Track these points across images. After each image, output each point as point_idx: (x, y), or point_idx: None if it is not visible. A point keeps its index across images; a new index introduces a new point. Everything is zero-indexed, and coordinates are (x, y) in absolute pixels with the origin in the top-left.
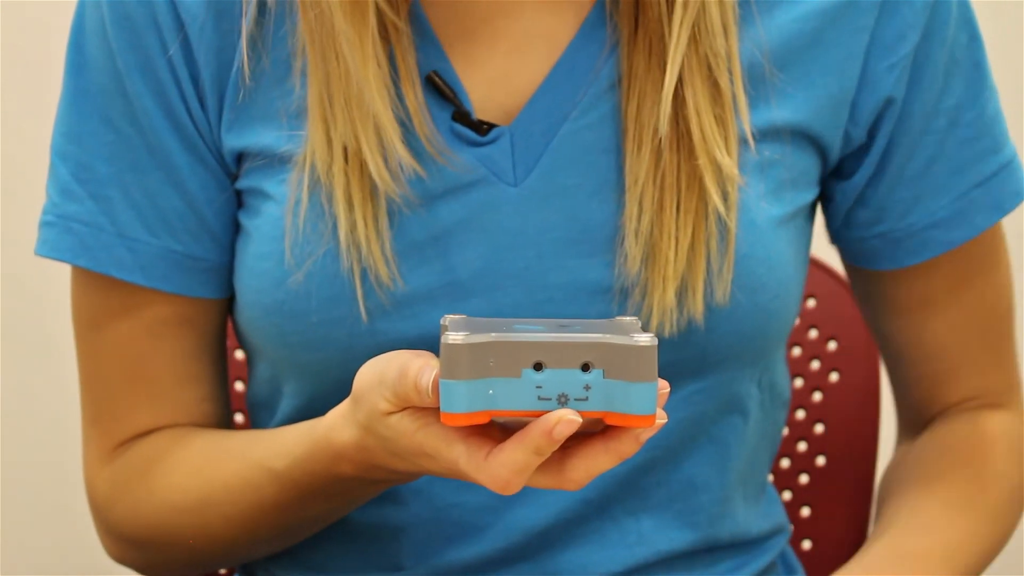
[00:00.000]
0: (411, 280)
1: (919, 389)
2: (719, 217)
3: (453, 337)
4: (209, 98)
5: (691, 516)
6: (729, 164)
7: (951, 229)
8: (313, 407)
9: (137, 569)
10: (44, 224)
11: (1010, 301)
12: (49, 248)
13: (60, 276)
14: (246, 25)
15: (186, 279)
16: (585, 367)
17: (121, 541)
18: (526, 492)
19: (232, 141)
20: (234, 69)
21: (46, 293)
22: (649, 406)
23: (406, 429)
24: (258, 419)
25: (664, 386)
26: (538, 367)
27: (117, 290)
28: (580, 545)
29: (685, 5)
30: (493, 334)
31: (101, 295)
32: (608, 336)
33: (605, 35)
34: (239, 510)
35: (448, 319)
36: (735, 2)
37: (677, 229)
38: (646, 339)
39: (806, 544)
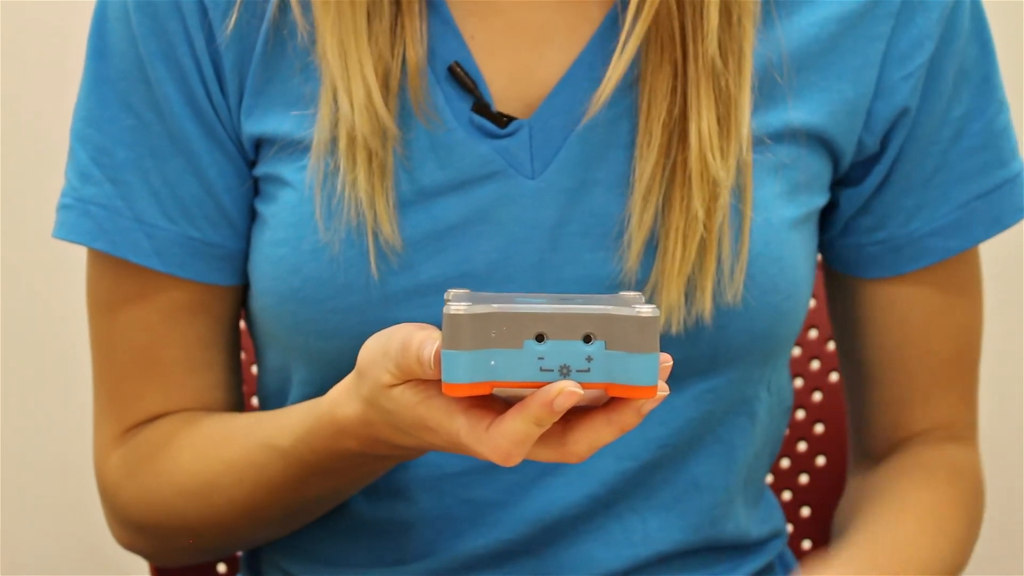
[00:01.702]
0: (426, 269)
1: (885, 414)
2: (732, 217)
3: (455, 307)
4: (230, 84)
5: (694, 516)
6: (718, 167)
7: (950, 237)
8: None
9: (144, 555)
10: (62, 207)
11: (979, 336)
12: (67, 231)
13: (61, 271)
14: (274, 15)
15: (202, 265)
16: (587, 338)
17: (128, 526)
18: (533, 487)
19: (251, 127)
20: (255, 55)
21: (47, 289)
22: (651, 377)
23: (408, 401)
24: (267, 409)
25: (666, 359)
26: (540, 338)
27: (132, 275)
28: (584, 541)
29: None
30: (495, 305)
31: (116, 279)
32: (610, 308)
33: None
34: (244, 491)
35: (451, 292)
36: (753, 1)
37: (686, 226)
38: (647, 310)
39: (806, 544)
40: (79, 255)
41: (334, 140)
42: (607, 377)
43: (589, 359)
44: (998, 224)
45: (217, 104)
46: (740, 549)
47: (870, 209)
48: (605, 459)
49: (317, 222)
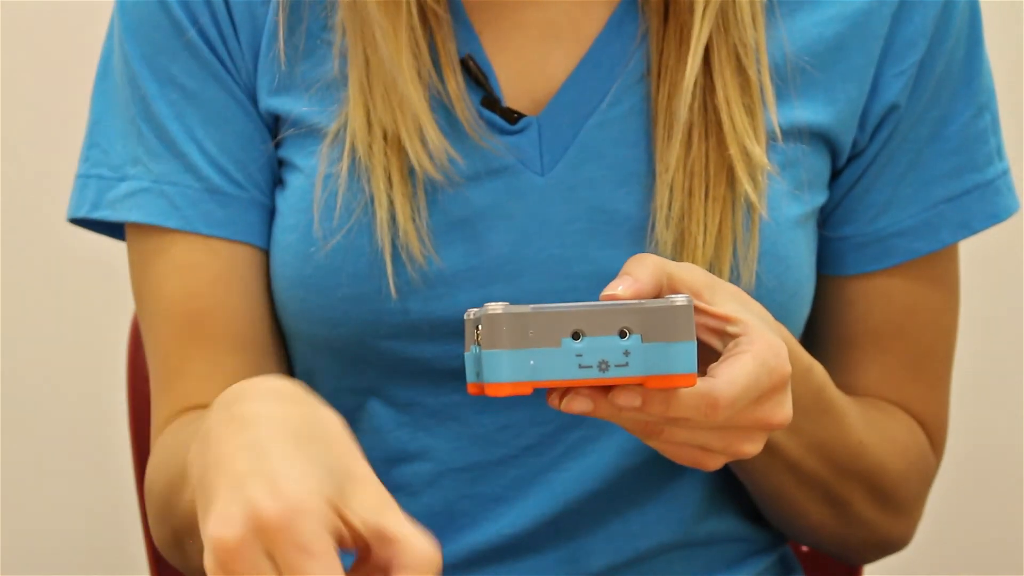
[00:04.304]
0: (436, 261)
1: None
2: (745, 205)
3: (493, 307)
4: (248, 61)
5: (693, 507)
6: (759, 153)
7: (916, 238)
8: (318, 382)
9: (166, 556)
10: (141, 191)
11: (951, 336)
12: (144, 214)
13: (64, 266)
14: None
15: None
16: (623, 333)
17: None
18: (536, 482)
19: (266, 105)
20: (264, 37)
21: (50, 284)
22: (689, 365)
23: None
24: None
25: None
26: (576, 336)
27: (178, 243)
28: (585, 536)
29: None
30: (531, 305)
31: (161, 251)
32: (644, 301)
33: (634, 27)
34: (173, 475)
35: (489, 305)
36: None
37: (706, 215)
38: (682, 299)
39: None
40: (73, 254)
41: (351, 128)
42: (645, 370)
43: (627, 353)
44: (966, 228)
45: (244, 75)
46: (740, 543)
47: (840, 202)
48: (607, 455)
49: (328, 209)
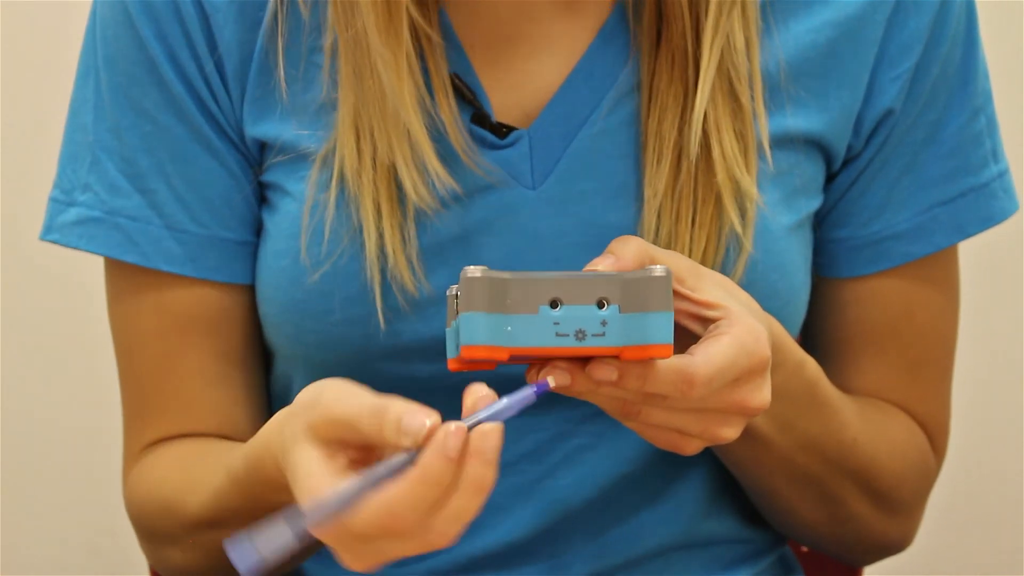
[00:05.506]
0: (428, 281)
1: None
2: (732, 232)
3: (472, 271)
4: (233, 90)
5: (691, 510)
6: (748, 182)
7: (910, 242)
8: None
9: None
10: (91, 220)
11: (949, 337)
12: (97, 244)
13: (63, 271)
14: (280, 22)
15: (239, 266)
16: (601, 303)
17: (138, 536)
18: (534, 490)
19: (253, 131)
20: (254, 63)
21: (49, 288)
22: (666, 335)
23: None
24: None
25: None
26: (555, 304)
27: (152, 282)
28: (582, 541)
29: (716, 28)
30: (510, 271)
31: (136, 289)
32: (623, 273)
33: (624, 40)
34: (204, 511)
35: (468, 268)
36: (758, 16)
37: (691, 241)
38: (660, 270)
39: None
40: (74, 255)
41: (339, 155)
42: (622, 340)
43: (604, 323)
44: (960, 232)
45: (224, 107)
46: (739, 544)
47: (835, 205)
48: (605, 462)
49: (316, 237)
